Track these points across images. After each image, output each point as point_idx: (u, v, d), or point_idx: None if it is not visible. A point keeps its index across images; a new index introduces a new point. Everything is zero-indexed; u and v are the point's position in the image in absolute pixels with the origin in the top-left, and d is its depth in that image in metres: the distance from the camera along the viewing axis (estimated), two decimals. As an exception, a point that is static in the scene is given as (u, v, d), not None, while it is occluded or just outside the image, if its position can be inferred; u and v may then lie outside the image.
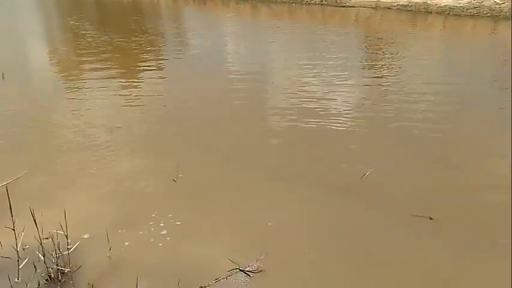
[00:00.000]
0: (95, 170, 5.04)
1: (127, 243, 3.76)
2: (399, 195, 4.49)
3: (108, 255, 3.57)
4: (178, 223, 4.02)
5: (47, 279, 3.30)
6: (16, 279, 3.29)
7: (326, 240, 3.81)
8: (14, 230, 3.24)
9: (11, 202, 3.17)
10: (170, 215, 4.10)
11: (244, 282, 3.27)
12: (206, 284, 3.19)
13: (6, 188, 3.20)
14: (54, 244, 3.41)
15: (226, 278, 3.23)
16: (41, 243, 3.39)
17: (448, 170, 5.03)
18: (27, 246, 3.53)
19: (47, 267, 3.34)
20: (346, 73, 9.24)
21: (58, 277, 3.32)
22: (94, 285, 3.07)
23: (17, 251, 3.33)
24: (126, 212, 4.22)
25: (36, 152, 5.50)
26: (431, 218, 4.05)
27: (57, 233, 3.49)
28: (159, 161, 5.30)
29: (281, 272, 3.42)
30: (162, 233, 3.90)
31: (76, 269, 3.37)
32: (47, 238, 3.42)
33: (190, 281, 3.12)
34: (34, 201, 3.48)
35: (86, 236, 3.75)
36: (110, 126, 6.49)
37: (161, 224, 3.99)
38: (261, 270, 3.32)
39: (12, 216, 3.19)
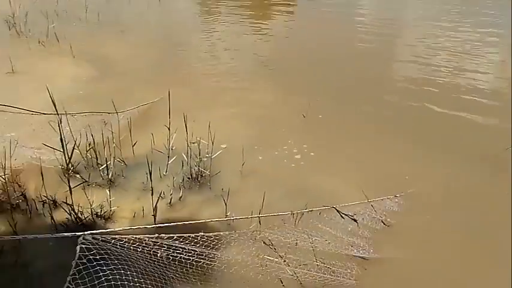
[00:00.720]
0: (235, 95, 5.42)
1: (260, 158, 4.10)
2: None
3: (242, 166, 3.88)
4: (312, 154, 4.19)
5: (189, 178, 3.75)
6: (164, 172, 3.79)
7: (461, 212, 3.50)
8: (169, 129, 3.71)
9: (170, 107, 3.62)
10: (305, 146, 4.29)
11: (336, 223, 3.04)
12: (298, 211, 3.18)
13: (169, 93, 3.61)
14: (198, 149, 3.84)
15: (319, 214, 2.99)
16: (188, 146, 3.84)
17: None
18: (174, 148, 3.97)
19: (190, 168, 3.79)
20: (491, 31, 8.18)
21: (198, 178, 3.75)
22: (227, 191, 3.40)
23: (168, 149, 3.83)
24: (262, 134, 4.52)
25: (184, 73, 6.03)
26: None
27: (200, 140, 3.92)
28: (291, 96, 5.47)
29: (385, 233, 3.26)
30: (296, 157, 4.13)
31: (214, 173, 3.77)
32: (193, 143, 3.85)
33: (314, 203, 3.26)
34: (182, 112, 3.86)
35: (224, 147, 4.12)
36: (249, 57, 6.82)
37: (295, 150, 4.22)
38: (355, 219, 3.03)
39: (169, 117, 3.65)
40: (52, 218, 3.13)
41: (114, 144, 3.85)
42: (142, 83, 5.30)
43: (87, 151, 3.78)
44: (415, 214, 3.42)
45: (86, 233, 1.57)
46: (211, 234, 2.08)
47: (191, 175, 3.77)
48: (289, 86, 5.81)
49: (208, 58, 6.69)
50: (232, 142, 4.19)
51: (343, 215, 2.78)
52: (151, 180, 3.30)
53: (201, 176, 3.78)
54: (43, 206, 3.28)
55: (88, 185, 3.55)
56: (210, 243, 2.22)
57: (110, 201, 3.30)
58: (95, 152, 3.75)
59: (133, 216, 3.27)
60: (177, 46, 7.11)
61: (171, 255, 2.08)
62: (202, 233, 2.05)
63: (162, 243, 1.99)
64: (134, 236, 1.81)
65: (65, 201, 3.27)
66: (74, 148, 3.37)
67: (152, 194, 3.21)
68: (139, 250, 1.91)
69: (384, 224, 3.25)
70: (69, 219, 3.13)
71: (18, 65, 5.48)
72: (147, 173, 3.45)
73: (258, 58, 6.83)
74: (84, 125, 3.92)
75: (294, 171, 3.94)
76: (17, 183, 3.35)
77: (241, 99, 5.31)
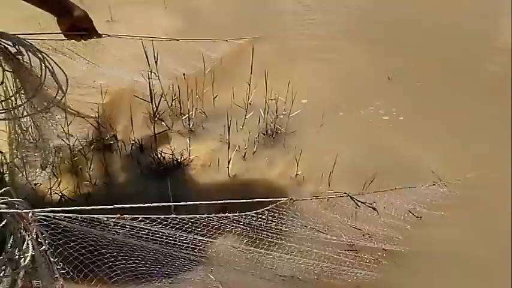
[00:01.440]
0: (319, 52, 5.27)
1: (341, 114, 4.06)
2: None
3: (320, 126, 3.86)
4: (401, 118, 4.04)
5: (264, 134, 3.83)
6: (241, 127, 3.90)
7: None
8: (249, 84, 3.78)
9: (252, 59, 3.68)
10: (394, 109, 4.13)
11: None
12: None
13: (252, 49, 3.65)
14: (276, 106, 3.87)
15: (330, 202, 2.71)
16: (266, 103, 3.89)
17: None
18: (253, 103, 4.03)
19: (266, 124, 3.86)
20: None
21: (273, 134, 3.81)
22: (300, 150, 3.42)
23: (247, 104, 3.92)
24: (345, 93, 4.39)
25: (271, 28, 5.95)
26: None
27: (278, 97, 3.95)
28: (377, 56, 5.19)
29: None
30: (383, 118, 4.03)
31: (290, 132, 3.80)
32: (272, 99, 3.89)
33: (392, 170, 3.16)
34: (263, 65, 3.86)
35: (305, 102, 4.09)
36: (338, 13, 6.53)
37: (381, 111, 4.10)
38: (374, 208, 2.56)
39: (251, 72, 3.71)
40: (138, 161, 3.43)
41: (197, 96, 4.02)
42: (230, 36, 5.36)
43: (172, 100, 4.00)
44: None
45: (35, 210, 1.47)
46: (184, 216, 1.81)
47: (266, 131, 3.84)
48: (377, 45, 5.51)
49: (296, 13, 6.54)
50: (312, 99, 4.14)
51: (358, 203, 2.40)
52: (228, 134, 3.43)
53: (277, 133, 3.83)
54: (131, 149, 3.59)
55: (171, 133, 3.78)
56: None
57: (190, 150, 3.51)
58: (179, 102, 3.96)
59: (209, 166, 3.45)
60: (266, 1, 7.03)
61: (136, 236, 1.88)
62: (174, 215, 1.79)
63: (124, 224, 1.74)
64: (92, 215, 1.62)
65: (150, 146, 3.57)
66: (161, 98, 3.60)
67: (229, 148, 3.36)
68: (98, 228, 1.73)
69: (415, 216, 3.00)
70: (153, 162, 3.40)
71: (116, 13, 5.82)
72: (225, 126, 3.59)
73: (347, 14, 6.52)
74: (170, 76, 4.13)
75: (378, 131, 3.86)
76: (109, 124, 3.68)
77: (325, 57, 5.16)
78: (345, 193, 2.35)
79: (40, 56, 2.19)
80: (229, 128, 3.43)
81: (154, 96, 3.54)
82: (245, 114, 3.90)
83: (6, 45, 2.10)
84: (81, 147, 3.38)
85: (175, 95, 3.98)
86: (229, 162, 3.32)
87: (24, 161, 2.74)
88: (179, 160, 3.44)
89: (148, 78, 3.43)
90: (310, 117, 3.94)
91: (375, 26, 6.16)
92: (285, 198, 2.02)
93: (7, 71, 2.19)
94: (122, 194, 3.15)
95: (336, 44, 5.53)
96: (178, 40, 3.71)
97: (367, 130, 3.93)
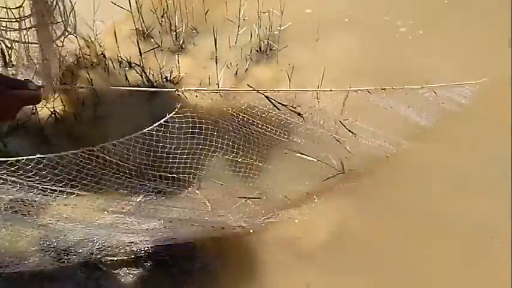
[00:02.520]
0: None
1: (346, 20, 3.86)
2: None
3: (316, 40, 3.68)
4: (421, 32, 3.82)
5: (257, 50, 3.68)
6: (234, 43, 3.74)
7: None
8: (240, -4, 3.56)
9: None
10: (411, 22, 3.88)
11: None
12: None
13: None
14: (270, 21, 3.67)
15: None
16: (259, 17, 3.68)
17: None
18: (246, 18, 3.83)
19: (260, 40, 3.69)
20: None
21: (266, 51, 3.67)
22: (293, 67, 3.29)
23: (239, 19, 3.72)
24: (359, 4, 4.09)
25: None
26: None
27: (272, 11, 3.73)
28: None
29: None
30: (400, 29, 3.83)
31: (282, 47, 3.64)
32: (264, 12, 3.67)
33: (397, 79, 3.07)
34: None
35: (309, 11, 3.90)
36: None
37: (399, 23, 3.88)
38: (300, 113, 2.55)
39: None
40: (126, 77, 3.35)
41: (187, 11, 3.81)
42: None
43: (161, 16, 3.81)
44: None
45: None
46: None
47: (260, 48, 3.68)
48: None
49: None
50: (316, 9, 3.92)
51: (276, 105, 2.16)
52: (216, 49, 3.30)
53: (271, 49, 3.68)
54: (119, 66, 3.50)
55: (161, 50, 3.65)
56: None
57: (179, 66, 3.41)
58: (168, 17, 3.77)
59: (200, 84, 3.37)
60: None
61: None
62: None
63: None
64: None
65: (138, 63, 3.46)
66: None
67: (216, 63, 3.25)
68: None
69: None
70: (141, 80, 3.33)
71: None
72: (215, 42, 3.43)
73: None
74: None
75: (395, 40, 3.74)
76: (97, 42, 3.55)
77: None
78: (258, 90, 2.05)
79: None
80: (215, 41, 3.27)
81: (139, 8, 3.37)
82: (238, 30, 3.72)
83: None
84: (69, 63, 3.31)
85: (164, 10, 3.78)
86: (218, 79, 3.23)
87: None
88: (168, 78, 3.36)
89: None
90: (311, 30, 3.70)
91: None
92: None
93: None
94: (110, 113, 3.12)
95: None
96: None
97: (381, 35, 3.76)
